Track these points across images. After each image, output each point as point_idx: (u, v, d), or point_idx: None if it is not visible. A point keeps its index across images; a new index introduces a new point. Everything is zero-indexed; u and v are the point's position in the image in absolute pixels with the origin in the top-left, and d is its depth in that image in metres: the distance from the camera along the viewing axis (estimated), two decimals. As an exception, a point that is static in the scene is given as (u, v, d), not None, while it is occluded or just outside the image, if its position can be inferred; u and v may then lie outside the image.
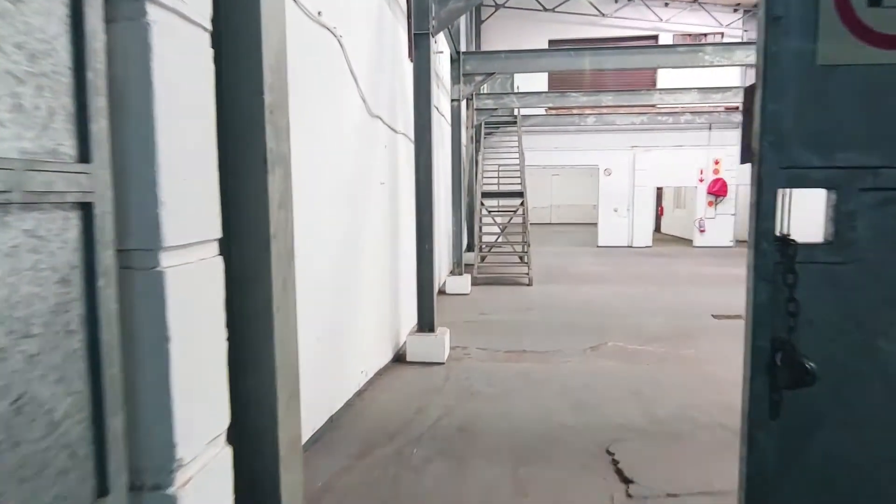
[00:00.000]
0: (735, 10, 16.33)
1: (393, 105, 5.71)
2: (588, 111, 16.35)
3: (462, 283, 9.56)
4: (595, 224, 22.02)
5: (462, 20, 11.16)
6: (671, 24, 16.28)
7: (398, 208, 5.90)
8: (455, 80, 9.33)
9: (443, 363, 5.59)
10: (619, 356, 5.89)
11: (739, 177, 17.17)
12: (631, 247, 17.48)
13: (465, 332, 6.90)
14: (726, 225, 17.43)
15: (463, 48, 10.33)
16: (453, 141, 9.62)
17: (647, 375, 5.18)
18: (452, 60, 9.32)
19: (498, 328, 7.24)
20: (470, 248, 12.50)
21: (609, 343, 6.41)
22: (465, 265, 10.24)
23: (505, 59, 9.25)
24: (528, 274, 10.68)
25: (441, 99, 9.51)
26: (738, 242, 18.15)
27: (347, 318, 4.27)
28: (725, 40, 15.87)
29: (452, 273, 9.74)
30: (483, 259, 12.12)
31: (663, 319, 7.62)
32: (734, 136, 17.05)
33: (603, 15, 16.60)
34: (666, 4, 16.48)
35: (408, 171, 6.33)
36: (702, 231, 17.47)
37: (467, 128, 12.87)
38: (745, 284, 1.63)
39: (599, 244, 17.70)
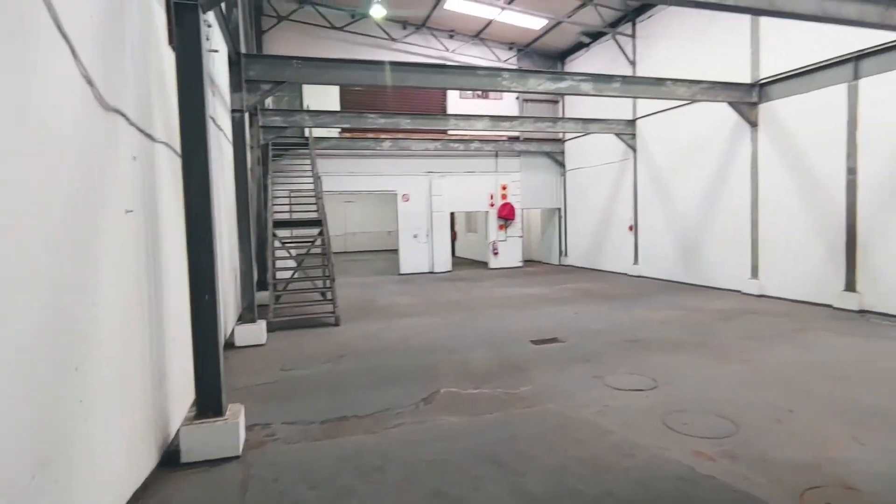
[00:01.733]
0: (510, 49, 17.64)
1: (147, 103, 4.05)
2: (384, 135, 15.86)
3: (255, 332, 7.85)
4: (393, 251, 21.72)
5: (241, 24, 9.55)
6: (456, 55, 16.83)
7: (159, 247, 4.19)
8: (236, 87, 7.71)
9: (238, 457, 4.04)
10: (457, 407, 5.04)
11: (525, 202, 18.49)
12: (433, 272, 17.38)
13: (265, 401, 5.36)
14: (516, 247, 18.54)
15: (244, 51, 8.74)
16: (237, 161, 7.93)
17: (498, 432, 4.41)
18: (232, 63, 7.71)
19: (306, 388, 5.84)
20: (263, 286, 10.70)
21: (442, 390, 5.56)
22: (259, 306, 8.53)
23: (298, 67, 7.96)
24: (333, 312, 9.39)
25: (218, 110, 7.78)
26: (526, 262, 19.53)
27: (64, 429, 2.55)
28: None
29: (243, 320, 7.95)
30: (279, 299, 10.44)
31: (487, 352, 7.12)
32: (518, 164, 18.34)
33: (393, 39, 16.40)
34: (451, 36, 17.02)
35: (173, 195, 4.64)
36: (496, 253, 18.28)
37: (253, 147, 11.13)
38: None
39: (402, 271, 17.22)
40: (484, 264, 19.22)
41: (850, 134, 8.98)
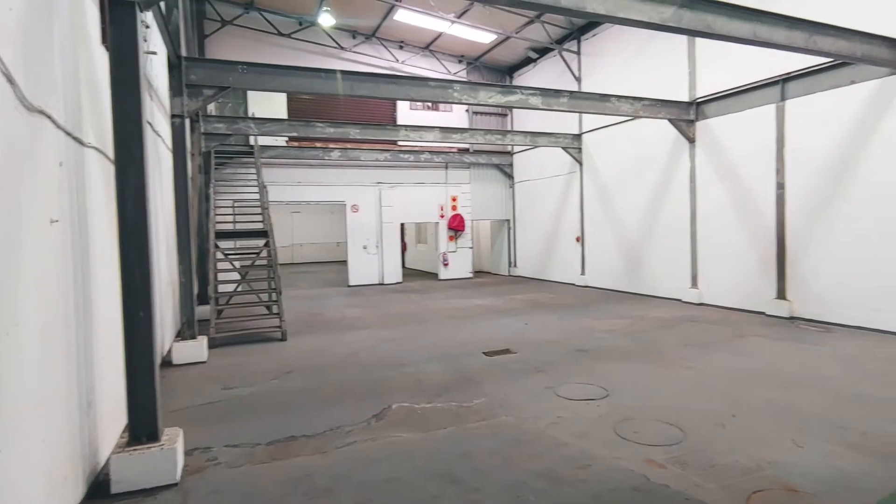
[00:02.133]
0: (460, 62, 17.82)
1: (77, 105, 3.76)
2: (333, 145, 15.60)
3: (195, 349, 7.43)
4: (342, 262, 21.34)
5: (182, 27, 9.15)
6: (406, 66, 16.83)
7: (89, 260, 3.88)
8: (176, 91, 7.34)
9: (175, 485, 3.77)
10: (410, 423, 4.93)
11: (474, 213, 18.62)
12: (383, 284, 17.17)
13: (206, 423, 5.06)
14: (466, 258, 18.61)
15: (185, 54, 8.36)
16: (176, 168, 7.54)
17: (453, 447, 4.32)
18: (172, 66, 7.34)
19: (251, 407, 5.56)
20: (204, 300, 10.21)
21: (394, 406, 5.42)
22: (200, 321, 8.11)
23: (244, 72, 7.67)
24: (280, 326, 9.06)
25: (157, 115, 7.39)
26: (476, 273, 19.63)
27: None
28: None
29: (182, 336, 7.52)
30: (221, 313, 9.98)
31: (439, 365, 7.03)
32: (467, 175, 18.48)
33: (342, 48, 16.21)
34: (401, 47, 17.01)
35: (106, 204, 4.33)
36: (446, 264, 18.28)
37: (194, 154, 10.67)
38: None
39: (351, 283, 16.91)
40: (434, 275, 19.18)
41: (778, 151, 9.56)
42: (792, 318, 9.35)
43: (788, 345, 7.63)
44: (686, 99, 11.36)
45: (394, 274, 17.40)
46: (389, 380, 6.40)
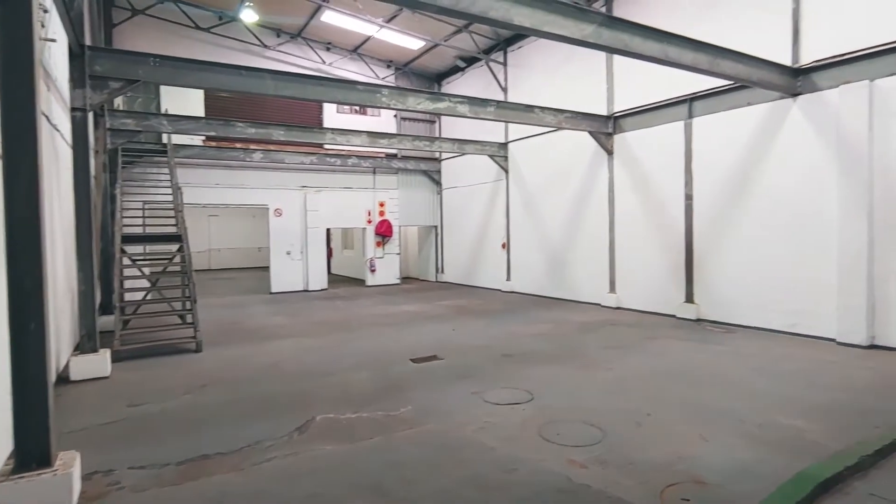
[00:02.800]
0: (389, 67, 17.73)
1: (-47, 90, 3.34)
2: (255, 146, 14.99)
3: (97, 363, 6.82)
4: (264, 268, 20.51)
5: (86, 13, 8.44)
6: (333, 69, 16.50)
7: (-31, 264, 3.45)
8: (78, 83, 6.72)
9: (71, 515, 3.41)
10: (335, 434, 4.77)
11: (402, 219, 18.54)
12: (307, 291, 16.66)
13: (108, 444, 4.64)
14: (394, 264, 18.48)
15: (89, 43, 7.74)
16: (77, 166, 6.89)
17: (380, 458, 4.23)
18: (74, 56, 6.72)
19: (160, 425, 5.17)
20: (108, 309, 9.43)
21: (317, 417, 5.24)
22: (103, 333, 7.46)
23: (156, 65, 7.15)
24: (194, 337, 8.52)
25: (55, 107, 6.75)
26: (404, 279, 19.54)
27: None
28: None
29: (81, 350, 6.88)
30: (127, 324, 9.26)
31: (366, 373, 6.90)
32: (395, 181, 18.39)
33: (266, 46, 15.63)
34: (328, 49, 16.67)
35: (-10, 203, 3.88)
36: (373, 271, 18.05)
37: (98, 151, 9.87)
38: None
39: (273, 290, 16.27)
40: (361, 282, 18.89)
41: (687, 164, 10.26)
42: (699, 320, 10.04)
43: (696, 345, 8.17)
44: (605, 113, 11.95)
45: (319, 280, 16.95)
46: (313, 390, 6.19)
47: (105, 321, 9.09)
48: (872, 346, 7.60)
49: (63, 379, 6.65)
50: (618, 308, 11.83)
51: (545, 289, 14.17)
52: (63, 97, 7.25)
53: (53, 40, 6.32)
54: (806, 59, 8.38)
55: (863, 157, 7.58)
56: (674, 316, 10.51)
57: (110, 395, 6.16)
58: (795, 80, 8.44)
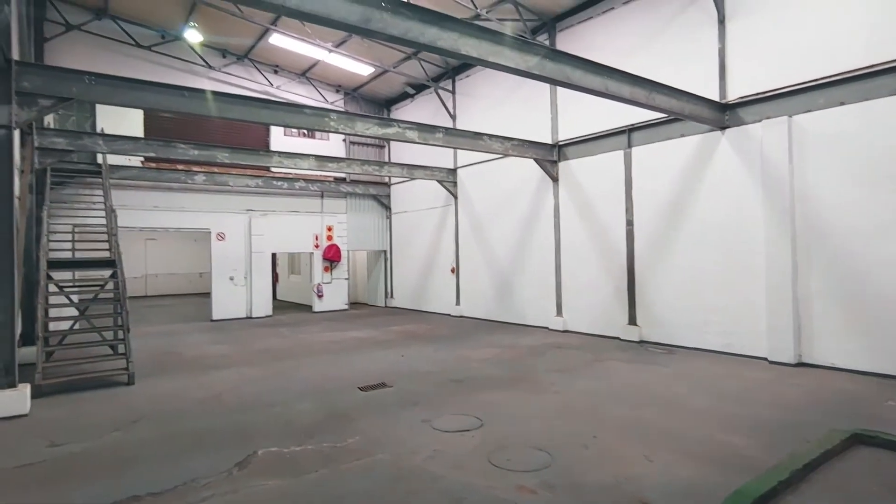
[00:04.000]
0: (338, 91, 17.71)
1: None
2: (197, 168, 14.51)
3: (14, 399, 6.27)
4: (205, 294, 19.70)
5: (14, 25, 8.00)
6: (281, 92, 16.32)
7: None
8: (4, 99, 6.31)
9: (-25, 571, 3.08)
10: (277, 469, 4.57)
11: (351, 243, 18.32)
12: (251, 318, 16.09)
13: (23, 488, 4.26)
14: (342, 289, 18.17)
15: (17, 57, 7.31)
16: (-2, 186, 6.44)
17: (325, 492, 4.07)
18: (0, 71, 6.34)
19: (85, 466, 4.78)
20: (29, 341, 8.76)
21: (259, 452, 5.00)
22: (23, 365, 6.89)
23: (91, 83, 6.82)
24: (126, 369, 8.01)
25: (-26, 123, 6.31)
26: (353, 304, 19.22)
27: None
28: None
29: (-4, 385, 6.32)
30: (51, 355, 8.61)
31: (311, 403, 6.68)
32: (344, 205, 18.21)
33: (210, 67, 15.29)
34: (276, 72, 16.50)
35: None
36: (320, 296, 17.67)
37: (24, 171, 9.30)
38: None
39: (215, 317, 15.60)
40: (308, 307, 18.44)
41: (627, 192, 10.71)
42: (641, 341, 10.36)
43: (639, 367, 8.40)
44: (550, 141, 12.34)
45: (264, 307, 16.41)
46: (255, 423, 5.92)
47: (26, 353, 8.43)
48: (800, 364, 8.06)
49: (-27, 418, 6.08)
50: (565, 331, 12.05)
51: (494, 313, 14.28)
52: (-15, 114, 6.79)
53: (-25, 54, 5.95)
54: (732, 95, 9.00)
55: (784, 186, 8.15)
56: (618, 338, 10.80)
57: (28, 434, 5.67)
58: (723, 114, 9.03)
